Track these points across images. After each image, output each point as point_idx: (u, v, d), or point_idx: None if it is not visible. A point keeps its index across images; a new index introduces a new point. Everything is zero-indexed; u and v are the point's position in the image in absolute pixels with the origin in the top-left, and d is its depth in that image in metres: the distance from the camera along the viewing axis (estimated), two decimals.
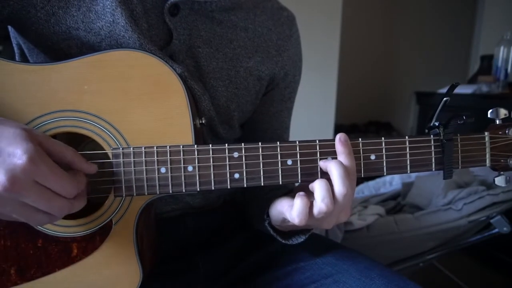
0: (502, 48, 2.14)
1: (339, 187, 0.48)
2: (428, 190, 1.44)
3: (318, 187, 0.48)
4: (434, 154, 0.54)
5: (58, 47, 0.55)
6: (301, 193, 0.49)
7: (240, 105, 0.67)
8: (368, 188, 1.64)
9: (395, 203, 1.53)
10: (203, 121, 0.56)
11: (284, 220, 0.54)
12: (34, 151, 0.39)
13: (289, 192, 0.59)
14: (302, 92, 0.81)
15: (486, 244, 1.53)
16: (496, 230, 1.25)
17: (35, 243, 0.50)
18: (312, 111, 2.29)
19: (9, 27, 0.60)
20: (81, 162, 0.46)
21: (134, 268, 0.52)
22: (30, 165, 0.38)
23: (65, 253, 0.51)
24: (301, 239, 0.60)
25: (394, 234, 1.25)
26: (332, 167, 0.49)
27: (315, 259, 0.65)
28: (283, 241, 0.60)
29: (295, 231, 0.60)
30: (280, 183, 0.51)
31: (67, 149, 0.45)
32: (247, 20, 0.66)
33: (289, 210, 0.50)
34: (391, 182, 1.64)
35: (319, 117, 2.38)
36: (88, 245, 0.51)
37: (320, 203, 0.47)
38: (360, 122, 3.73)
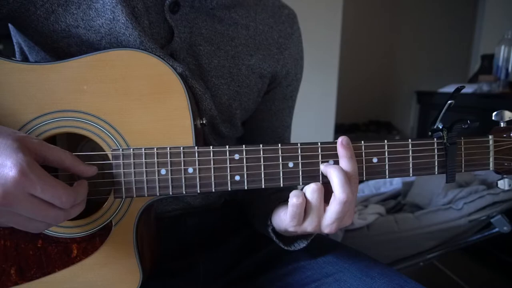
0: (502, 47, 2.13)
1: (339, 193, 0.48)
2: (428, 189, 1.44)
3: (308, 190, 0.50)
4: (437, 158, 0.53)
5: (58, 45, 0.55)
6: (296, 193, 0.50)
7: (242, 103, 0.66)
8: (368, 187, 1.64)
9: (396, 202, 1.53)
10: (204, 121, 0.56)
11: (286, 230, 0.54)
12: (25, 162, 0.38)
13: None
14: (302, 91, 0.81)
15: (487, 244, 1.53)
16: (496, 229, 1.26)
17: (35, 244, 0.50)
18: (313, 110, 2.28)
19: (10, 26, 0.59)
20: (80, 165, 0.46)
21: (134, 269, 0.52)
22: (21, 178, 0.38)
23: (65, 254, 0.51)
24: (303, 244, 0.60)
25: (395, 233, 1.25)
26: (332, 173, 0.49)
27: (316, 258, 0.65)
28: (285, 247, 0.60)
29: (297, 237, 0.60)
30: (281, 185, 0.51)
31: (65, 154, 0.44)
32: (248, 18, 0.65)
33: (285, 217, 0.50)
34: (392, 181, 1.65)
35: (320, 116, 2.37)
36: (88, 245, 0.51)
37: (311, 195, 0.49)
38: (360, 121, 3.73)
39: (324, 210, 0.50)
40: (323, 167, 0.51)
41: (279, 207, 0.56)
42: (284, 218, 0.53)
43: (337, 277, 0.60)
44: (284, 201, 0.56)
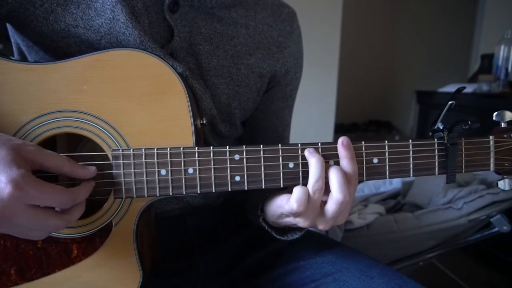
0: (502, 47, 2.13)
1: (336, 194, 0.48)
2: (428, 189, 1.44)
3: (313, 164, 0.49)
4: (438, 158, 0.53)
5: (57, 45, 0.55)
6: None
7: (241, 102, 0.66)
8: (368, 187, 1.64)
9: (395, 202, 1.54)
10: (204, 121, 0.56)
11: (281, 215, 0.53)
12: (19, 176, 0.38)
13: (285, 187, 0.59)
14: (302, 90, 0.81)
15: (486, 243, 1.53)
16: (496, 229, 1.26)
17: (35, 244, 0.50)
18: (312, 109, 2.29)
19: (8, 26, 0.59)
20: (79, 170, 0.46)
21: (134, 269, 0.52)
22: (15, 192, 0.38)
23: (65, 254, 0.51)
24: (296, 235, 0.60)
25: (394, 233, 1.25)
26: (331, 174, 0.48)
27: (315, 258, 0.65)
28: (278, 236, 0.60)
29: (290, 228, 0.60)
30: (282, 186, 0.51)
31: (62, 160, 0.44)
32: (247, 17, 0.65)
33: (288, 202, 0.49)
34: (391, 181, 1.65)
35: (319, 116, 2.38)
36: (88, 246, 0.51)
37: (314, 183, 0.48)
38: (360, 121, 3.73)
39: (321, 207, 0.50)
40: (306, 153, 0.50)
41: (275, 196, 0.56)
42: (281, 203, 0.52)
43: (337, 277, 0.60)
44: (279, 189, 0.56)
